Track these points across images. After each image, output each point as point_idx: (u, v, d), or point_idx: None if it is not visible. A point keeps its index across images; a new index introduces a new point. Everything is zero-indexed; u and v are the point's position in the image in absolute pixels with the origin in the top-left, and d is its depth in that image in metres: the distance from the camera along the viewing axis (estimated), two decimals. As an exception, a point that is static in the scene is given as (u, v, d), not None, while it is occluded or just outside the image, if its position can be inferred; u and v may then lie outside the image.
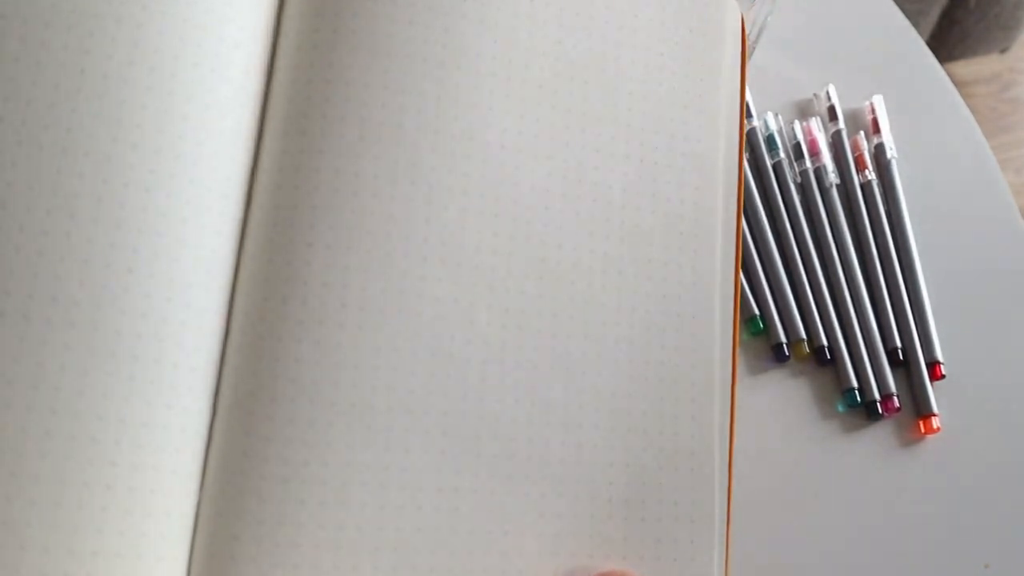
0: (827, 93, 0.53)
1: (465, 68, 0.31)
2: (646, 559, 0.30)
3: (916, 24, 0.59)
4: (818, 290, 0.46)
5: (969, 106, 0.55)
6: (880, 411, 0.44)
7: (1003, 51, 1.33)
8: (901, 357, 0.45)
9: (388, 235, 0.29)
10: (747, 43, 0.36)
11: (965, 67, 1.42)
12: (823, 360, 0.45)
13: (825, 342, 0.45)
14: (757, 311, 0.46)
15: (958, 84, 0.56)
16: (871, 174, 0.50)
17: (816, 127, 0.51)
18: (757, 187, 0.50)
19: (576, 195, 0.32)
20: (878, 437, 0.43)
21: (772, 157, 0.50)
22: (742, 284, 0.46)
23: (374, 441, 0.29)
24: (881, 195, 0.50)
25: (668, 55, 0.34)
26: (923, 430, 0.43)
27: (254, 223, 0.30)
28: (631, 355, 0.32)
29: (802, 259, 0.47)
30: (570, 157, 0.32)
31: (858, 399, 0.44)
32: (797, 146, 0.51)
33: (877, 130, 0.52)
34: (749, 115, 0.52)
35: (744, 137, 0.36)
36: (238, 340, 0.29)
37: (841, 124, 0.52)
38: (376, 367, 0.29)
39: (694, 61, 0.35)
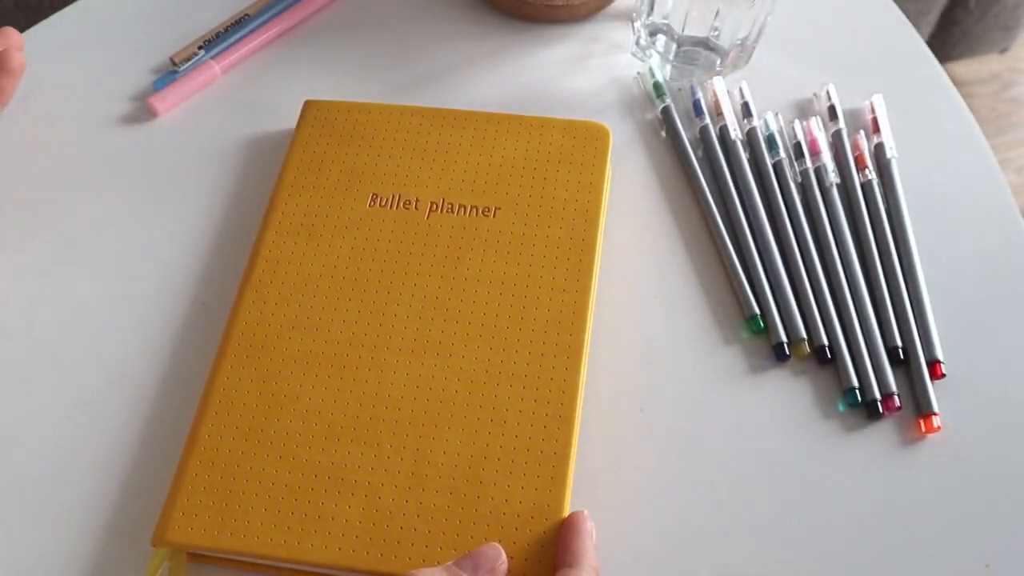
0: (827, 93, 0.53)
1: None
2: None
3: (916, 24, 0.59)
4: (818, 289, 0.46)
5: (969, 106, 0.55)
6: (881, 410, 0.43)
7: (1003, 51, 1.33)
8: (902, 356, 0.45)
9: None
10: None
11: (965, 67, 1.42)
12: (824, 359, 0.45)
13: (826, 341, 0.45)
14: (758, 310, 0.46)
15: (958, 84, 0.56)
16: (871, 173, 0.50)
17: (816, 126, 0.51)
18: (757, 187, 0.50)
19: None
20: (879, 436, 0.43)
21: (772, 157, 0.50)
22: (743, 283, 0.46)
23: None
24: (881, 194, 0.50)
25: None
26: (924, 429, 0.43)
27: None
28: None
29: (802, 258, 0.47)
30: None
31: (859, 398, 0.44)
32: (797, 145, 0.51)
33: (877, 129, 0.52)
34: (749, 115, 0.52)
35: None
36: None
37: (841, 124, 0.52)
38: None
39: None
